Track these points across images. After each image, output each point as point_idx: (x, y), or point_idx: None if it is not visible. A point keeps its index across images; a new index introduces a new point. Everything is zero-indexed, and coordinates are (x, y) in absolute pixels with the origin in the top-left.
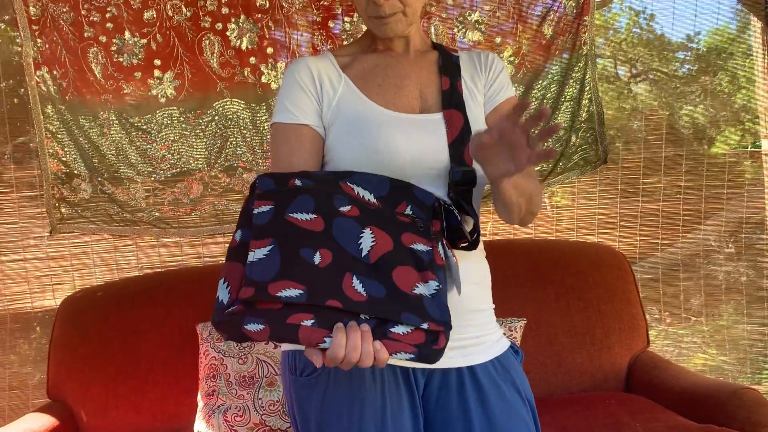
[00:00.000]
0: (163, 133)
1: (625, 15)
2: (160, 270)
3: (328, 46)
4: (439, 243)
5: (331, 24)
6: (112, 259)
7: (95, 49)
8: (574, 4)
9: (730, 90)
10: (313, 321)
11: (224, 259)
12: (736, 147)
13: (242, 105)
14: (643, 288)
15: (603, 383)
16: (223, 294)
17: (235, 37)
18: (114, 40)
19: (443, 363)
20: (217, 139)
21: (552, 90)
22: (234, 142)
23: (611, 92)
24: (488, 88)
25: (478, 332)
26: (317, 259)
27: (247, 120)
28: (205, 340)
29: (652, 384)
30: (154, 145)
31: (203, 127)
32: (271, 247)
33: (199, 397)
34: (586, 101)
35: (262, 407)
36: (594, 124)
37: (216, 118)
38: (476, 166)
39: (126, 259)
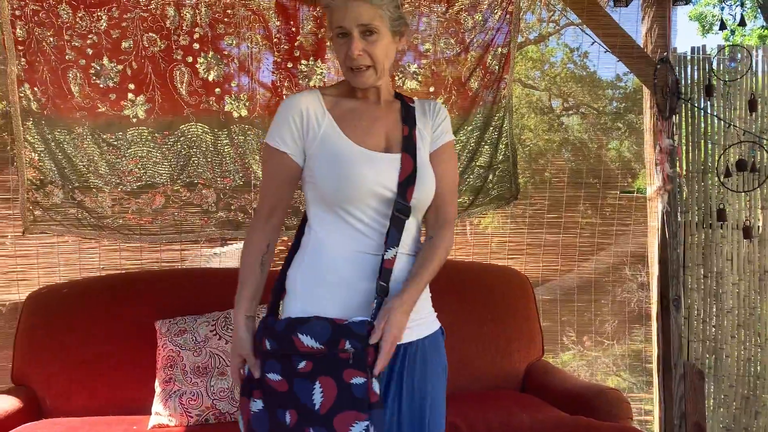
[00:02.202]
0: (132, 150)
1: (561, 51)
2: (121, 272)
3: (287, 83)
4: (374, 379)
5: (289, 65)
6: (76, 260)
7: (75, 70)
8: (497, 64)
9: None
10: None
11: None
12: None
13: (206, 129)
14: (546, 307)
15: (503, 384)
16: (240, 425)
17: (203, 69)
18: (93, 64)
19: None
20: (181, 158)
21: (475, 135)
22: (196, 162)
23: (543, 124)
24: (433, 132)
25: (420, 315)
26: (288, 419)
27: (209, 143)
28: (163, 335)
29: (542, 386)
30: (123, 159)
31: (169, 146)
32: (261, 400)
33: (156, 383)
34: (503, 146)
35: (214, 393)
36: (509, 166)
37: (181, 139)
38: (412, 203)
39: (89, 261)
